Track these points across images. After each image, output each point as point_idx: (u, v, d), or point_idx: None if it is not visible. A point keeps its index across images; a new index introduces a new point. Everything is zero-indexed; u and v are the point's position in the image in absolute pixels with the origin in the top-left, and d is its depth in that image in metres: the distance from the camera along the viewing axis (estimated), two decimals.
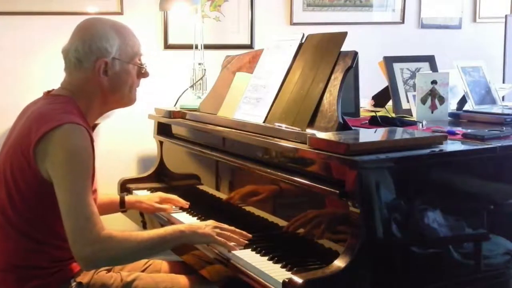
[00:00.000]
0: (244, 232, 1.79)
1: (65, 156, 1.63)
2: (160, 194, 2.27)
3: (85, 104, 1.80)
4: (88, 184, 1.64)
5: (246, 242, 1.77)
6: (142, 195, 2.35)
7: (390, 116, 2.29)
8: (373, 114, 2.21)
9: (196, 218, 2.11)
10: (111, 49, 1.78)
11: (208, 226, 1.79)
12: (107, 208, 2.16)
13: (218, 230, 1.77)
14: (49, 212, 1.70)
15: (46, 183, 1.65)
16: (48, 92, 1.85)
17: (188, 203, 2.23)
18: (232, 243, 1.75)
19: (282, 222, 1.79)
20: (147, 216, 2.34)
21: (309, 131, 1.73)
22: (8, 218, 1.72)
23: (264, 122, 1.95)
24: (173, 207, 2.24)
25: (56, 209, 1.68)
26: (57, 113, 1.69)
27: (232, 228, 1.80)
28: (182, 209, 2.23)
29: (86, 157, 1.65)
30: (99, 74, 1.78)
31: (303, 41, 2.04)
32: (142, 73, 1.89)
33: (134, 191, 2.54)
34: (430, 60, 2.58)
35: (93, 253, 1.60)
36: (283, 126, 1.83)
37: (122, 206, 2.22)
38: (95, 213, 1.62)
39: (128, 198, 2.24)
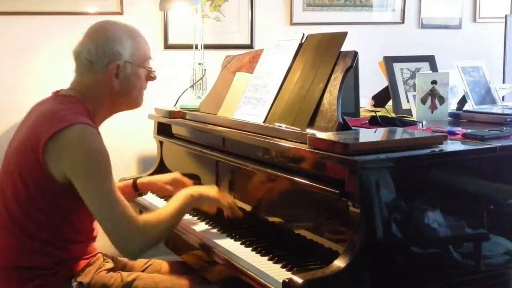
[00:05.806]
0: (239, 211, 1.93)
1: (86, 158, 1.66)
2: (175, 175, 2.20)
3: (94, 106, 1.81)
4: (113, 180, 1.70)
5: (242, 214, 1.92)
6: (155, 176, 2.28)
7: (390, 116, 2.29)
8: (373, 114, 2.20)
9: (196, 218, 2.11)
10: (124, 52, 1.80)
11: (212, 188, 1.96)
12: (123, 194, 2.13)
13: (222, 194, 1.94)
14: (56, 212, 1.71)
15: (55, 183, 1.67)
16: (57, 92, 1.86)
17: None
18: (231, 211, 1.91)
19: (282, 222, 1.79)
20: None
21: (309, 131, 1.73)
22: (14, 217, 1.72)
23: (264, 122, 1.95)
24: None
25: (62, 209, 1.71)
26: (68, 113, 1.71)
27: (233, 199, 1.96)
28: None
29: (105, 155, 1.70)
30: (110, 76, 1.79)
31: (303, 41, 2.04)
32: (150, 77, 1.91)
33: None
34: (430, 60, 2.58)
35: (138, 244, 1.70)
36: (283, 126, 1.83)
37: (135, 189, 2.20)
38: (127, 206, 1.69)
39: (140, 180, 2.22)
